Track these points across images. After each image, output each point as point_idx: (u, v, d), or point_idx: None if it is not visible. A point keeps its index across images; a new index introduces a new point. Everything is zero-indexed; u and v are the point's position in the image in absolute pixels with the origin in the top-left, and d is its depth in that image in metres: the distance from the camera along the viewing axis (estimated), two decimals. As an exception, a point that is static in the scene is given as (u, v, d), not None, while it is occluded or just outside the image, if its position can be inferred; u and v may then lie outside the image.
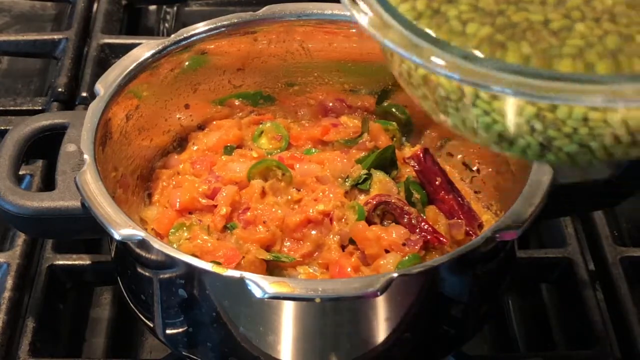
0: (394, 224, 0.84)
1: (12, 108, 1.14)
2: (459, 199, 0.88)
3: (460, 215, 0.86)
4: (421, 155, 0.89)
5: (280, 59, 0.96)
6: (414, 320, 0.76)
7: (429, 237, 0.82)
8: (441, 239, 0.82)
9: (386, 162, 0.90)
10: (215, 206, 0.87)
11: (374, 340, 0.76)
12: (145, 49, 0.89)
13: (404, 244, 0.81)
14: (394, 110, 0.97)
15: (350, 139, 0.94)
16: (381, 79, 0.96)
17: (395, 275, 0.68)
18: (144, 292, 0.80)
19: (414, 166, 0.90)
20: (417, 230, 0.82)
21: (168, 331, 0.81)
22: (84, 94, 1.13)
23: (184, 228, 0.86)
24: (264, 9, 0.94)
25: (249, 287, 0.68)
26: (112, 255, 0.85)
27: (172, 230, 0.86)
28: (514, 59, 0.54)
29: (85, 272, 0.96)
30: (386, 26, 0.57)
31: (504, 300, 1.01)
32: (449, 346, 0.83)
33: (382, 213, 0.85)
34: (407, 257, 0.80)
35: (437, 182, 0.88)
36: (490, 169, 0.92)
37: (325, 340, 0.76)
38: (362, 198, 0.87)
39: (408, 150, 0.95)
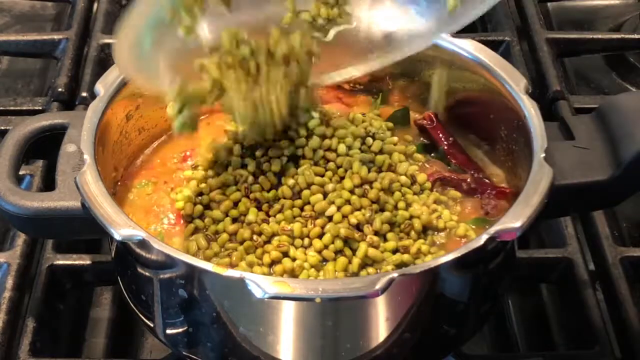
0: (461, 197, 0.86)
1: (12, 108, 1.14)
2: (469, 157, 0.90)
3: (472, 170, 0.88)
4: (432, 115, 0.92)
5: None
6: (414, 320, 0.76)
7: (494, 191, 0.85)
8: (506, 191, 0.85)
9: (398, 121, 0.92)
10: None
11: (374, 340, 0.76)
12: (145, 49, 0.89)
13: (487, 213, 0.84)
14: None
15: None
16: (380, 81, 0.96)
17: (396, 275, 0.68)
18: (144, 292, 0.80)
19: (427, 124, 0.91)
20: (479, 190, 0.85)
21: (168, 331, 0.81)
22: (84, 94, 1.13)
23: (150, 184, 0.87)
24: (264, 8, 0.94)
25: (249, 287, 0.68)
26: (112, 255, 0.85)
27: (138, 185, 0.88)
28: None
29: (85, 272, 0.96)
30: None
31: (504, 300, 1.01)
32: (449, 346, 0.83)
33: (440, 186, 0.86)
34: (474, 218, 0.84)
35: (450, 140, 0.90)
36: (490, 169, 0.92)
37: (325, 340, 0.76)
38: None
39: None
